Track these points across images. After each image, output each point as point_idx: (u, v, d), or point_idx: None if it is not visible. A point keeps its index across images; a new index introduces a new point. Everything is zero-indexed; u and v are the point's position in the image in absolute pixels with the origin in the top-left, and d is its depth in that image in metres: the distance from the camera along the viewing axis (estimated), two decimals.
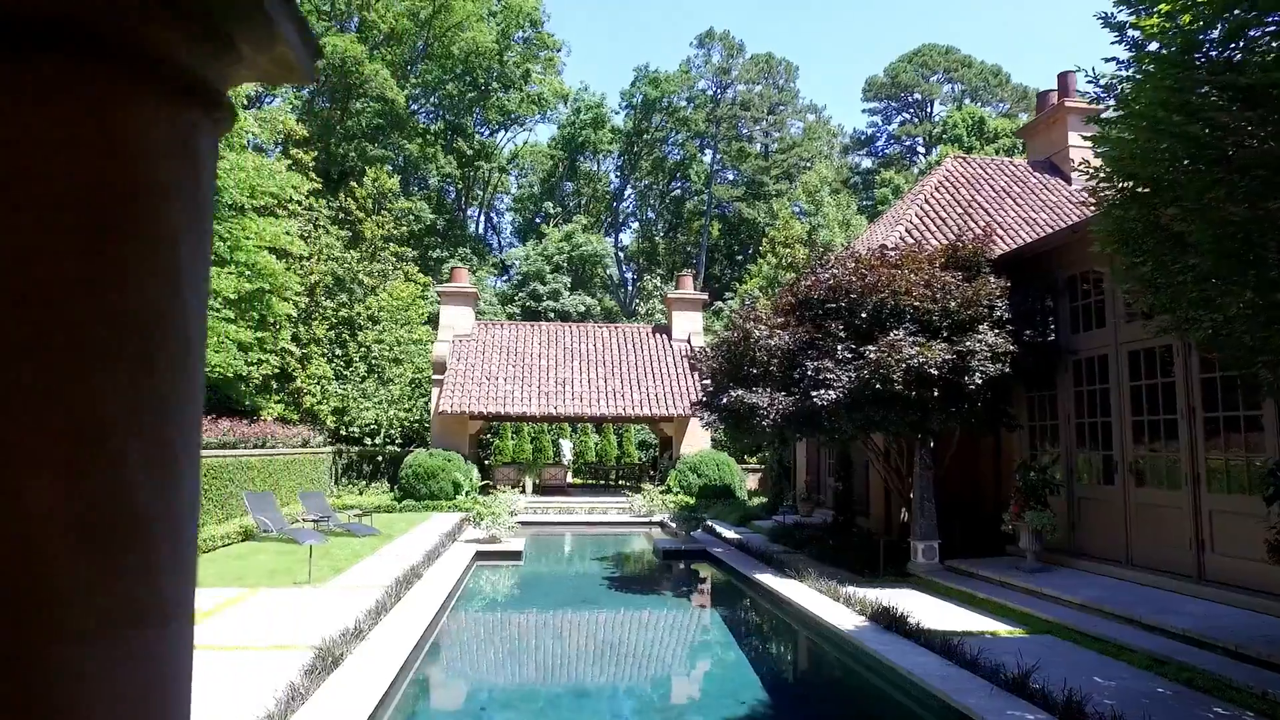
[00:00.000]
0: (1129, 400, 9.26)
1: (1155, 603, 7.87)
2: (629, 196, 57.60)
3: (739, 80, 51.61)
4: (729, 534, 15.95)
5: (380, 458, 24.56)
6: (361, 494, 22.37)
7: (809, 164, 47.65)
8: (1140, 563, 9.00)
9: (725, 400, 11.27)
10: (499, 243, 56.53)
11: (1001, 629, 7.88)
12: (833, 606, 8.41)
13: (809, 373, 10.23)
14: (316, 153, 34.11)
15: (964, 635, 7.54)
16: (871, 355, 9.67)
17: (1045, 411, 10.89)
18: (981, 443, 12.17)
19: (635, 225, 58.07)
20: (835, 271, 11.30)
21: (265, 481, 17.34)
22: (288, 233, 21.83)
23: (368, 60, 35.48)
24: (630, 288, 53.39)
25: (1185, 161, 4.28)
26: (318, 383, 24.57)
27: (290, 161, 27.18)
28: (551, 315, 40.04)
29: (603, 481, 29.56)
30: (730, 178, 53.13)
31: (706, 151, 53.30)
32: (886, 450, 12.44)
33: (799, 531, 14.27)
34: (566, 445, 30.98)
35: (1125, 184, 5.23)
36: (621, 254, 55.92)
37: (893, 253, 11.43)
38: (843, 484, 14.84)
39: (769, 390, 10.93)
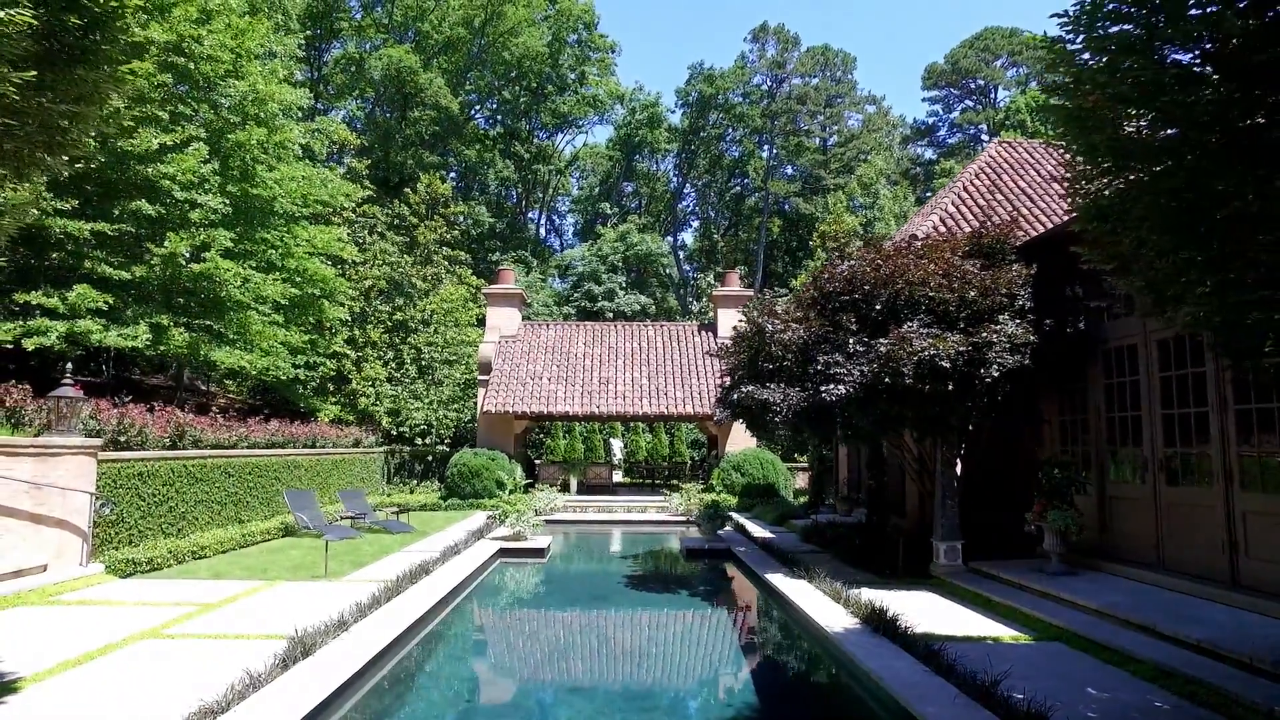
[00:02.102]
0: (1159, 392, 8.63)
1: (1178, 609, 7.31)
2: (688, 195, 57.45)
3: (795, 74, 50.75)
4: (762, 533, 15.67)
5: (430, 457, 25.15)
6: (412, 492, 22.94)
7: (867, 156, 46.47)
8: (1172, 566, 8.38)
9: (736, 396, 11.07)
10: (561, 244, 57.18)
11: (1007, 634, 7.46)
12: (831, 608, 8.13)
13: (818, 367, 9.94)
14: (373, 161, 35.26)
15: (963, 640, 7.20)
16: (882, 348, 9.32)
17: (1075, 405, 10.27)
18: (1016, 439, 11.58)
19: (696, 223, 57.89)
20: (852, 263, 10.97)
21: (313, 480, 17.99)
22: (340, 239, 22.60)
23: (422, 70, 36.41)
24: (691, 286, 53.23)
25: (1128, 126, 3.93)
26: (372, 385, 25.32)
27: (345, 170, 28.18)
28: (609, 315, 40.29)
29: (653, 480, 29.51)
30: (789, 173, 52.29)
31: (765, 148, 52.61)
32: (920, 450, 11.98)
33: (830, 531, 13.90)
34: (617, 444, 31.06)
35: (1100, 156, 4.86)
36: (682, 253, 55.80)
37: (918, 242, 11.03)
38: (875, 482, 14.37)
39: (782, 386, 10.67)
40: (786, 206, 50.60)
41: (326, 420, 22.78)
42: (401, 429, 25.11)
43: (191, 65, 15.99)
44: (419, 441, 25.39)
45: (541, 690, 6.88)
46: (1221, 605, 7.41)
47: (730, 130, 52.41)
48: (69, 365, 11.43)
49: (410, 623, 7.47)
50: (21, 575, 9.36)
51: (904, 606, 8.68)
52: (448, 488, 21.52)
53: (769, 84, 51.59)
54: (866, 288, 10.23)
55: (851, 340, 9.90)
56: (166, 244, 14.58)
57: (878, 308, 10.09)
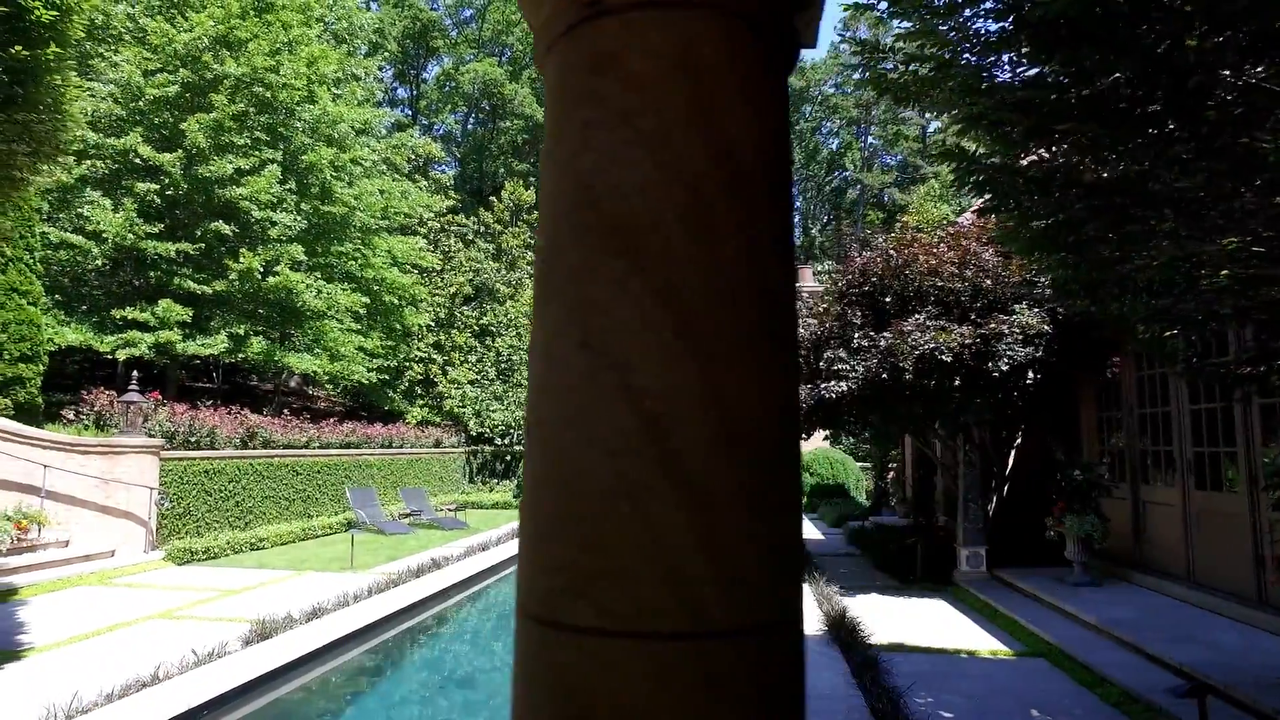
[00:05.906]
0: (1185, 385, 7.77)
1: (1185, 628, 6.56)
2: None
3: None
4: (814, 534, 15.26)
5: (510, 456, 25.98)
6: (491, 490, 23.84)
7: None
8: (1202, 580, 7.52)
9: None
10: None
11: (989, 648, 6.94)
12: (810, 613, 7.83)
13: (822, 363, 9.61)
14: (467, 171, 36.74)
15: (937, 653, 6.79)
16: (883, 342, 8.90)
17: (1110, 401, 9.39)
18: (1056, 438, 10.71)
19: (797, 219, 56.73)
20: (869, 254, 10.53)
21: (387, 479, 19.00)
22: (421, 248, 23.79)
23: (508, 82, 37.67)
24: None
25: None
26: (458, 387, 26.43)
27: (429, 182, 29.59)
28: None
29: None
30: (888, 163, 50.29)
31: (863, 138, 50.85)
32: (976, 445, 11.30)
33: (876, 534, 13.34)
34: None
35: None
36: None
37: (952, 229, 10.51)
38: (922, 483, 13.67)
39: None
40: (886, 197, 48.70)
41: (414, 422, 23.99)
42: (483, 430, 26.08)
43: (269, 94, 17.30)
44: (499, 441, 26.27)
45: (466, 682, 7.05)
46: (1242, 624, 6.60)
47: (825, 122, 51.01)
48: (135, 373, 12.66)
49: (383, 615, 7.81)
50: (90, 559, 10.49)
51: (906, 614, 8.27)
52: (519, 486, 22.18)
53: (862, 69, 49.76)
54: (875, 279, 9.79)
55: (857, 335, 9.50)
56: (241, 260, 15.84)
57: (887, 300, 9.64)
